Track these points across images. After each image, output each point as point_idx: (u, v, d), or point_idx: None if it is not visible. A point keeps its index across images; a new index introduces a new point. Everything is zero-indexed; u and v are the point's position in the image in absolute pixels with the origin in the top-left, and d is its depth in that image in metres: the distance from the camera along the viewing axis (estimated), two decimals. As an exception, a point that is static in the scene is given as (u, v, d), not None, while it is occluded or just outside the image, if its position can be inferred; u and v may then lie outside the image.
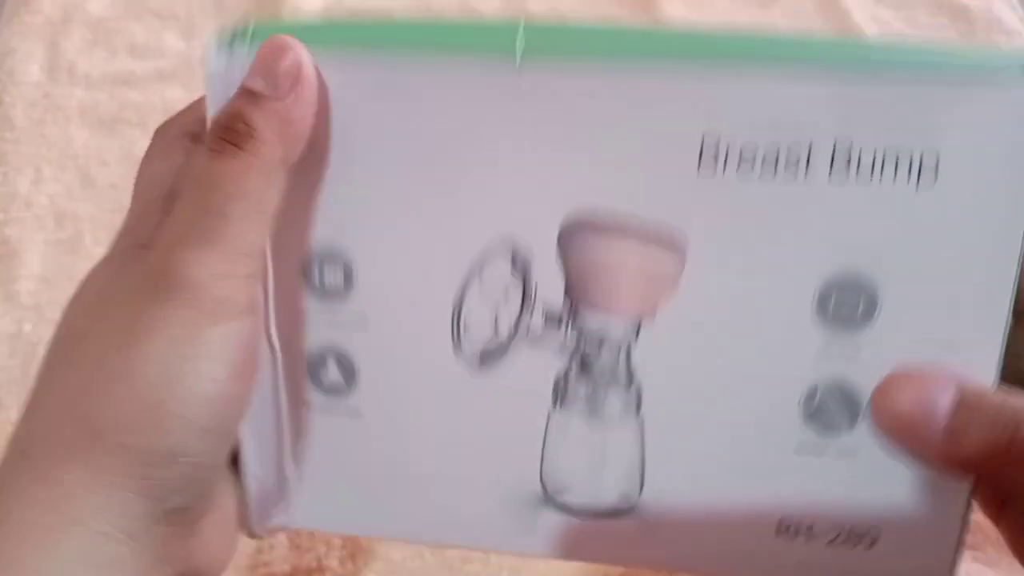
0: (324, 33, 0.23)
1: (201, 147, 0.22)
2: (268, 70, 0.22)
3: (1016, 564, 0.24)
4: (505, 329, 0.24)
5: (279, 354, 0.25)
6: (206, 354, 0.21)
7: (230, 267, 0.21)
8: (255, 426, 0.25)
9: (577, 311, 0.24)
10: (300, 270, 0.24)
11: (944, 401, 0.21)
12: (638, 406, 0.25)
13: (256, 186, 0.22)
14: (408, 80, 0.23)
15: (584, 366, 0.25)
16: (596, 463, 0.26)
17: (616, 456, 0.25)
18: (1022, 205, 0.21)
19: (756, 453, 0.24)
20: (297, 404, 0.25)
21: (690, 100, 0.21)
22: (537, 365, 0.25)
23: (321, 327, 0.25)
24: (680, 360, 0.24)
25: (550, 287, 0.24)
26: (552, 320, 0.25)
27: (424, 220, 0.24)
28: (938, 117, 0.21)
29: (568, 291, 0.24)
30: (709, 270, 0.23)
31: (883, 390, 0.22)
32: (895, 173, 0.21)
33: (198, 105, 0.25)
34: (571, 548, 0.26)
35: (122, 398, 0.20)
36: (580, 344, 0.25)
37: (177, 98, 0.58)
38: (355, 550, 0.38)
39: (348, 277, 0.24)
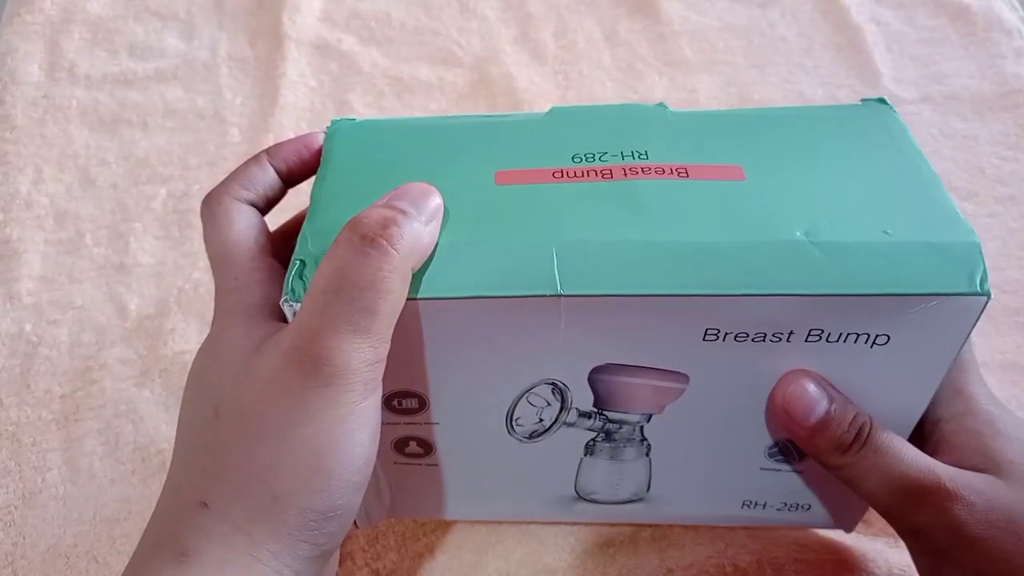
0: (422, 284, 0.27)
1: (347, 238, 0.25)
2: (415, 200, 0.26)
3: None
4: (548, 421, 0.31)
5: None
6: (360, 426, 0.25)
7: (375, 355, 0.25)
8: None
9: (604, 412, 0.31)
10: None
11: (819, 407, 0.29)
12: (647, 452, 0.33)
13: (397, 287, 0.25)
14: (473, 312, 0.27)
15: (608, 435, 0.32)
16: (615, 482, 0.34)
17: (630, 478, 0.34)
18: (943, 364, 0.28)
19: (729, 470, 0.33)
20: (387, 463, 0.34)
21: (693, 311, 0.26)
22: (572, 436, 0.32)
23: (403, 428, 0.32)
24: (678, 432, 0.32)
25: (582, 402, 0.30)
26: (584, 415, 0.31)
27: (482, 372, 0.29)
28: (894, 317, 0.26)
29: (597, 404, 0.31)
30: (705, 392, 0.29)
31: (783, 381, 0.29)
32: (856, 340, 0.27)
33: (243, 176, 0.31)
34: (596, 518, 0.37)
35: (302, 469, 0.24)
36: (605, 424, 0.32)
37: (177, 98, 0.58)
38: (353, 549, 0.39)
39: (422, 403, 0.31)
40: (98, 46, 0.61)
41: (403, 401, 0.31)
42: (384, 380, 0.26)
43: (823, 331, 0.27)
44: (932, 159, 0.45)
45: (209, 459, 0.25)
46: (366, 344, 0.24)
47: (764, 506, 0.35)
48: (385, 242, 0.24)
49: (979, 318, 0.26)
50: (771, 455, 0.32)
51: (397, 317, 0.25)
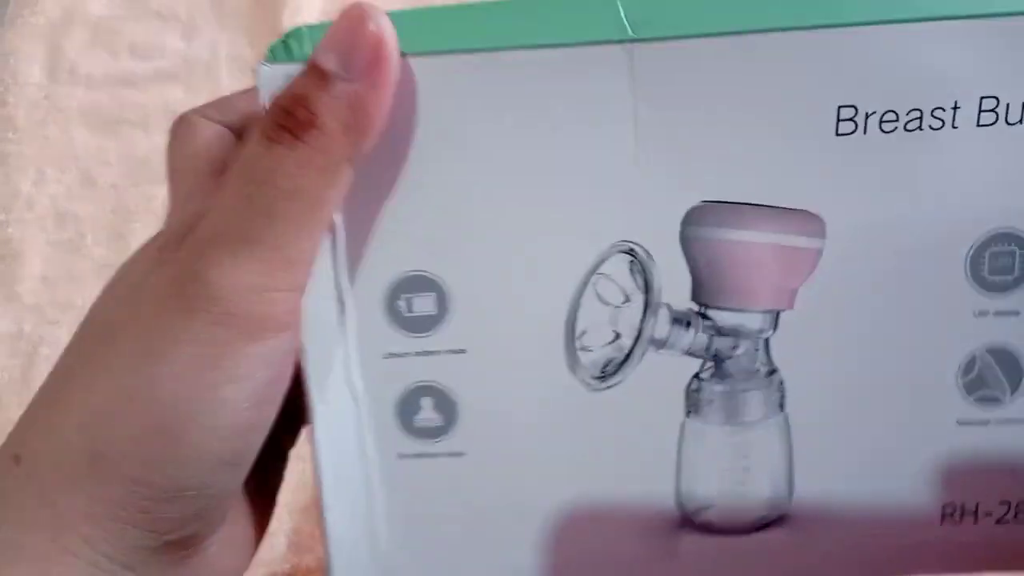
0: (410, 29, 0.19)
1: (254, 131, 0.19)
2: (342, 45, 0.18)
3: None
4: (627, 337, 0.22)
5: (365, 403, 0.22)
6: (232, 378, 0.18)
7: (270, 278, 0.18)
8: (340, 487, 0.22)
9: (707, 310, 0.22)
10: (384, 302, 0.22)
11: None
12: (782, 402, 0.22)
13: (313, 184, 0.18)
14: (503, 77, 0.20)
15: (718, 366, 0.22)
16: (739, 471, 0.23)
17: (761, 460, 0.23)
18: None
19: (914, 436, 0.22)
20: (388, 455, 0.23)
21: (820, 69, 0.20)
22: (665, 372, 0.22)
23: (411, 365, 0.22)
24: (825, 345, 0.22)
25: (674, 291, 0.22)
26: (679, 323, 0.22)
27: (527, 232, 0.21)
28: None
29: (696, 292, 0.22)
30: (850, 243, 0.21)
31: None
32: None
33: (222, 100, 0.23)
34: (717, 573, 0.23)
35: (135, 425, 0.18)
36: (712, 344, 0.22)
37: (178, 99, 0.58)
38: None
39: (442, 304, 0.22)
40: (99, 47, 0.61)
41: (412, 302, 0.22)
42: (381, 261, 0.20)
43: (999, 100, 0.20)
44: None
45: (39, 396, 0.20)
46: (253, 262, 0.18)
47: (976, 513, 0.23)
48: (289, 133, 0.18)
49: None
50: (970, 388, 0.22)
51: (315, 232, 0.19)
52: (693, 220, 0.21)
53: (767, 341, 0.22)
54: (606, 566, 0.23)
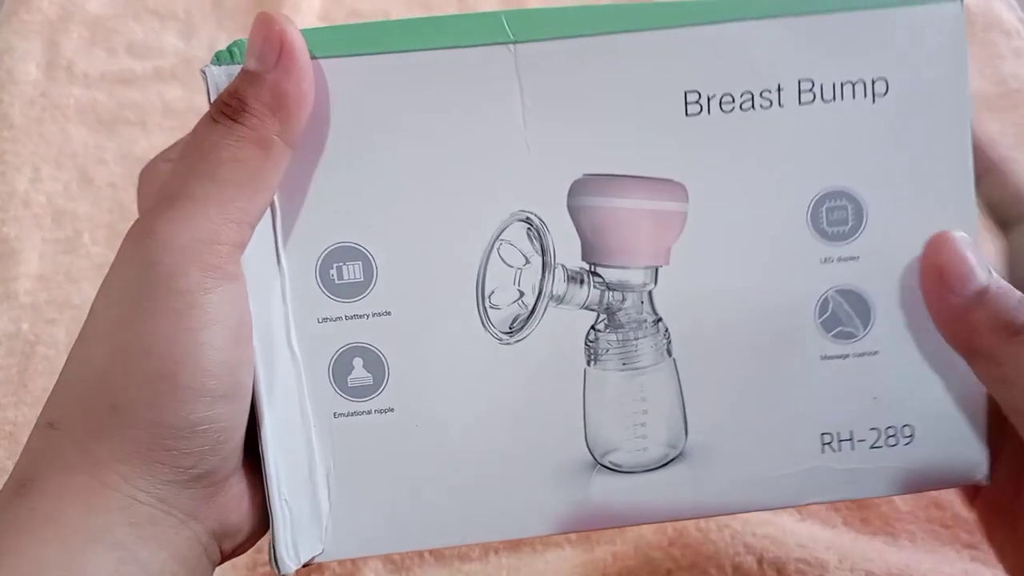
0: (326, 40, 0.24)
1: (200, 120, 0.23)
2: (256, 46, 0.23)
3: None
4: (530, 295, 0.25)
5: (302, 365, 0.25)
6: (207, 323, 0.21)
7: (214, 232, 0.22)
8: (282, 447, 0.24)
9: (596, 268, 0.26)
10: (317, 271, 0.25)
11: (979, 276, 0.23)
12: (668, 347, 0.26)
13: (251, 155, 0.22)
14: (412, 75, 0.24)
15: (611, 318, 0.26)
16: (638, 413, 0.26)
17: (656, 402, 0.26)
18: (963, 94, 0.25)
19: (785, 370, 0.26)
20: (324, 415, 0.25)
21: (667, 62, 0.24)
22: (565, 326, 0.26)
23: (343, 328, 0.25)
24: (700, 294, 0.25)
25: (567, 253, 0.25)
26: (574, 280, 0.25)
27: (438, 206, 0.25)
28: (881, 40, 0.24)
29: (585, 253, 0.25)
30: (710, 207, 0.25)
31: (937, 241, 0.24)
32: (854, 95, 0.25)
33: (180, 141, 0.25)
34: (627, 512, 0.26)
35: (138, 375, 0.21)
36: (603, 298, 0.26)
37: (176, 97, 0.58)
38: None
39: (368, 271, 0.25)
40: (97, 45, 0.61)
41: (343, 269, 0.25)
42: (313, 235, 0.24)
43: (813, 83, 0.25)
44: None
45: (65, 367, 0.22)
46: (199, 216, 0.21)
47: (852, 440, 0.26)
48: (227, 116, 0.22)
49: (964, 36, 0.25)
50: (827, 326, 0.25)
51: (255, 197, 0.23)
52: (577, 191, 0.25)
53: (651, 294, 0.26)
54: (526, 510, 0.26)
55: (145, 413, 0.21)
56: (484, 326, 0.25)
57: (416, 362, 0.25)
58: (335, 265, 0.25)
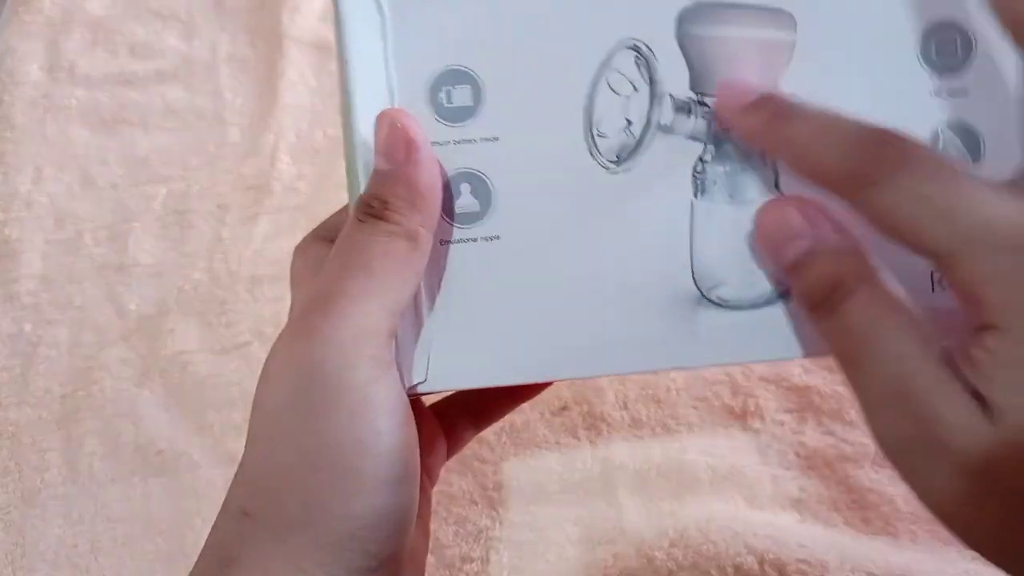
0: None
1: (346, 222, 0.24)
2: (383, 147, 0.24)
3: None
4: (637, 123, 0.25)
5: None
6: (381, 412, 0.23)
7: (375, 322, 0.23)
8: None
9: (704, 98, 0.25)
10: (427, 96, 0.25)
11: (801, 243, 0.23)
12: (777, 181, 0.25)
13: (400, 247, 0.23)
14: None
15: (719, 148, 0.25)
16: (745, 247, 0.26)
17: None
18: None
19: None
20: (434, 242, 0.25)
21: None
22: (673, 156, 0.25)
23: (452, 152, 0.25)
24: None
25: (675, 82, 0.25)
26: (682, 109, 0.25)
27: (546, 31, 0.25)
28: None
29: (693, 82, 0.25)
30: (819, 37, 0.25)
31: (766, 209, 0.24)
32: None
33: (325, 222, 0.28)
34: (732, 349, 0.26)
35: (324, 469, 0.22)
36: (711, 127, 0.25)
37: (178, 98, 0.58)
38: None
39: (476, 95, 0.25)
40: (98, 46, 0.61)
41: (452, 93, 0.25)
42: (422, 60, 0.24)
43: None
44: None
45: (248, 465, 0.24)
46: (356, 311, 0.22)
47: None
48: (373, 216, 0.24)
49: None
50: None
51: (408, 284, 0.24)
52: (687, 18, 0.25)
53: None
54: (631, 345, 0.26)
55: (336, 508, 0.22)
56: (591, 154, 0.25)
57: (523, 189, 0.25)
58: (444, 88, 0.25)
